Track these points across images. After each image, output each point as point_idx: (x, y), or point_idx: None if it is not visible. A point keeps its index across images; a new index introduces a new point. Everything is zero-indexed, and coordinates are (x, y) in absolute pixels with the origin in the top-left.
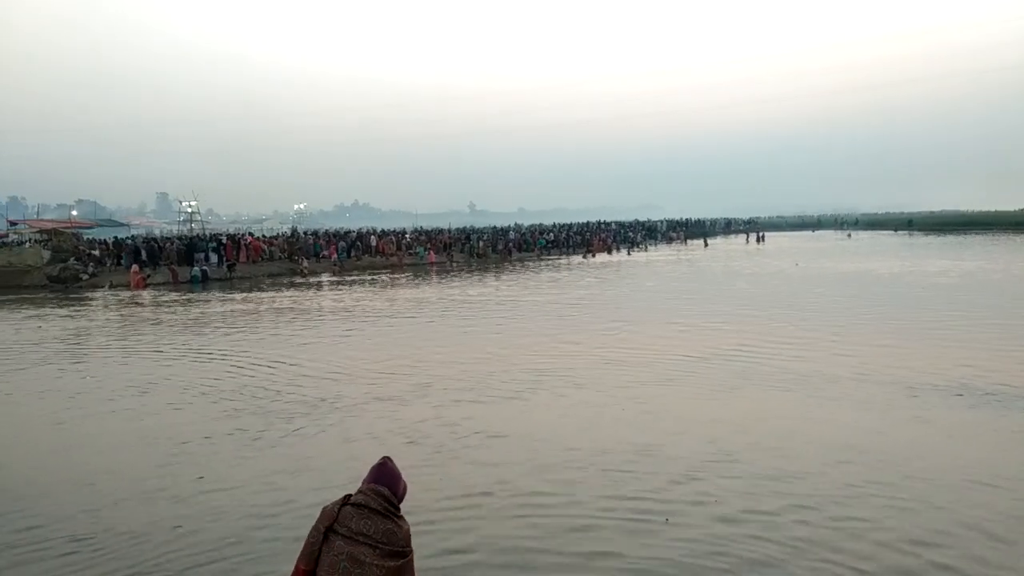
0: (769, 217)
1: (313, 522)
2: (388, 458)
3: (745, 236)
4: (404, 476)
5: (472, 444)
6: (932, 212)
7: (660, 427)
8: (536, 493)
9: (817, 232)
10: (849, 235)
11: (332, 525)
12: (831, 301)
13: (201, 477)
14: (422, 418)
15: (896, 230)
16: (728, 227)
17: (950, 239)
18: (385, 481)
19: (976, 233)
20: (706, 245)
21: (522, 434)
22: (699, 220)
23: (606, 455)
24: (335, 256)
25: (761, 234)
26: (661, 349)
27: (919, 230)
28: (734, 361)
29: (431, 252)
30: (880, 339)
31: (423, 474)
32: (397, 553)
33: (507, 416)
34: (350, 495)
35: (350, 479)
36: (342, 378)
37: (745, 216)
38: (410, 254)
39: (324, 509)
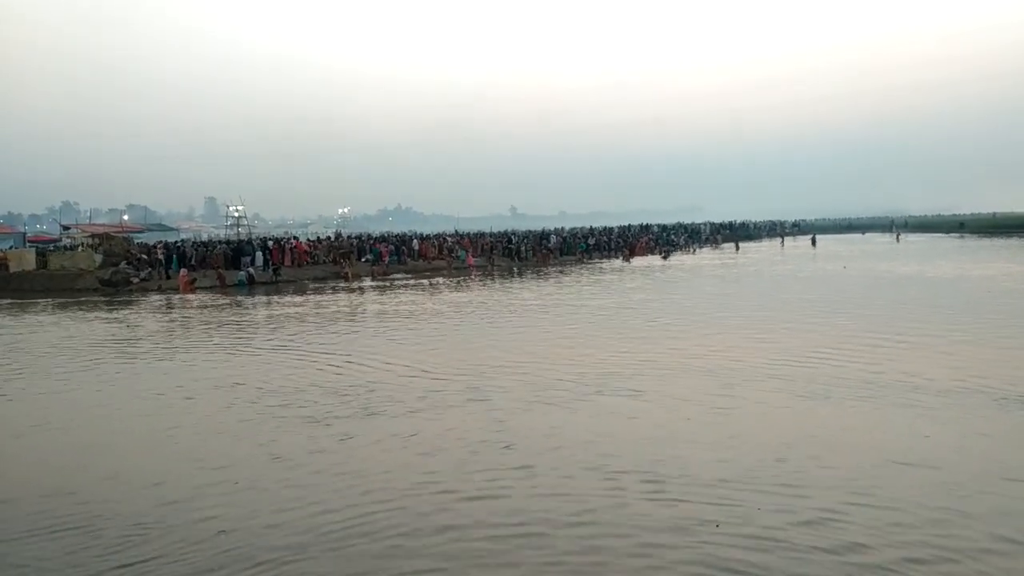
0: (816, 220)
1: None
2: None
3: (781, 240)
4: None
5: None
6: (993, 214)
7: (738, 441)
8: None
9: (866, 235)
10: (898, 238)
11: None
12: (898, 305)
13: (236, 483)
14: (489, 424)
15: (948, 232)
16: (773, 230)
17: (1008, 242)
18: None
19: None
20: (737, 249)
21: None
22: (743, 223)
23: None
24: (387, 259)
25: (813, 237)
26: (724, 355)
27: (971, 233)
28: (805, 367)
29: (469, 255)
30: (958, 345)
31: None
32: None
33: (579, 422)
34: None
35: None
36: (414, 379)
37: (791, 219)
38: (453, 257)
39: None
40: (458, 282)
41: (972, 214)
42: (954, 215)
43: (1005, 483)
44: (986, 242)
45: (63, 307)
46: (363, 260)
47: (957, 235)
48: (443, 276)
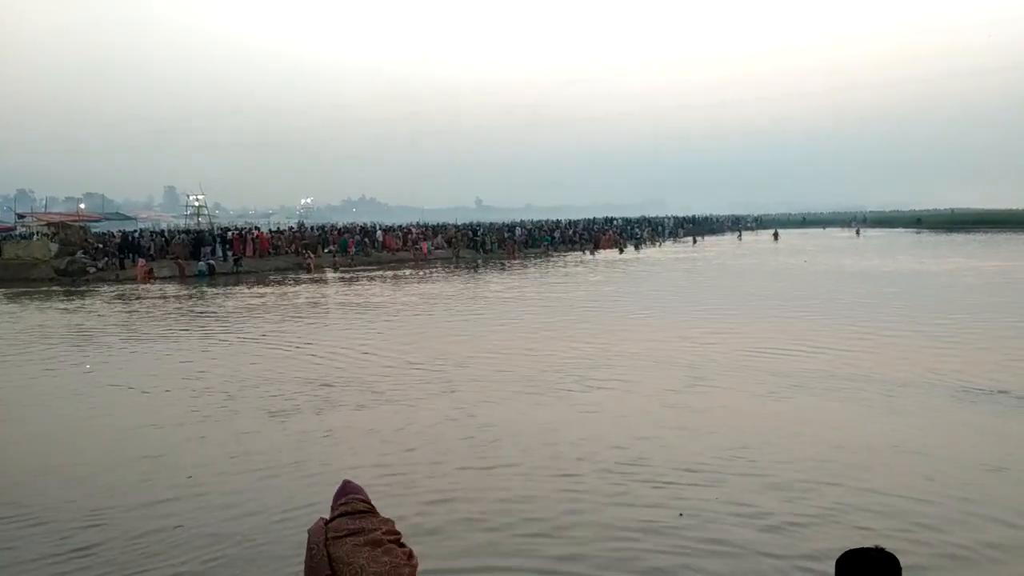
0: (777, 215)
1: (305, 550)
2: (347, 480)
3: (739, 233)
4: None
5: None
6: (952, 209)
7: (710, 431)
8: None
9: (827, 230)
10: (858, 232)
11: (328, 538)
12: (860, 300)
13: (189, 476)
14: (462, 418)
15: (906, 227)
16: (736, 224)
17: (965, 237)
18: (354, 491)
19: (987, 231)
20: (694, 242)
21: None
22: (706, 217)
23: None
24: (352, 250)
25: (775, 232)
26: (691, 349)
27: (928, 228)
28: (769, 361)
29: (424, 244)
30: (924, 340)
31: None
32: (401, 542)
33: (549, 417)
34: (325, 518)
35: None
36: (386, 371)
37: (754, 213)
38: (416, 249)
39: (311, 531)
40: (423, 274)
41: (933, 210)
42: (912, 211)
43: (968, 471)
44: (943, 237)
45: (17, 297)
46: (327, 251)
47: (915, 230)
48: (408, 268)
